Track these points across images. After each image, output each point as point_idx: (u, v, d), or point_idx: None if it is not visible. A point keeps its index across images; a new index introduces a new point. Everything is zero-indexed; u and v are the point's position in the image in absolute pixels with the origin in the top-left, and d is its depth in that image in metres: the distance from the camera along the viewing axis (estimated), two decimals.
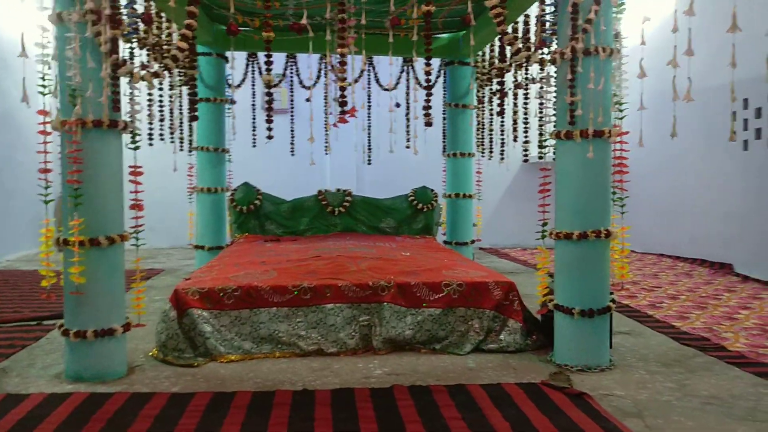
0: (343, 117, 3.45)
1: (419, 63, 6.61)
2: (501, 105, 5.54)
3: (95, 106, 2.74)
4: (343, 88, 3.00)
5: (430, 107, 3.20)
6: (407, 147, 6.68)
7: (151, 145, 4.91)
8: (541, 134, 4.59)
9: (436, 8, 4.98)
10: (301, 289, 3.30)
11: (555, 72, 3.28)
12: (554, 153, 3.27)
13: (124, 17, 3.03)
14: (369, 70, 6.64)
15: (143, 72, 2.83)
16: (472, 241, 6.50)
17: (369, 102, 6.73)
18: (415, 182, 6.66)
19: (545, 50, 3.32)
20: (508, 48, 4.15)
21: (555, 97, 3.24)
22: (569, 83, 3.00)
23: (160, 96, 5.11)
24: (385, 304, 3.34)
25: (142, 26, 3.48)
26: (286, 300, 3.28)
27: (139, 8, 3.33)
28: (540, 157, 4.51)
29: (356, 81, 6.34)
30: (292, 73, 6.57)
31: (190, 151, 5.81)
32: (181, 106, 5.51)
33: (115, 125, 2.81)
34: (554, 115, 3.43)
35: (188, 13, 2.80)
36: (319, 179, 8.10)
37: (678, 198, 7.32)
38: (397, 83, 6.70)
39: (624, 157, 3.18)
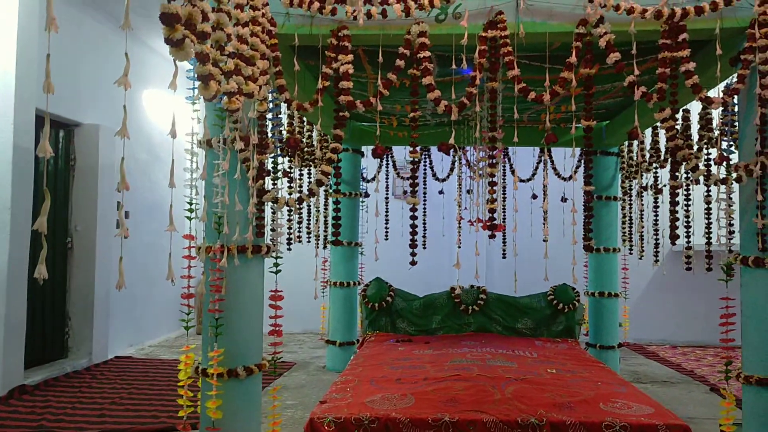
0: (491, 232, 3.17)
1: (556, 153, 6.32)
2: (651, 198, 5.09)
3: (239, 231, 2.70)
4: (492, 210, 2.77)
5: (591, 230, 2.89)
6: (544, 240, 6.31)
7: (289, 249, 4.91)
8: (708, 243, 4.12)
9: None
10: (442, 424, 3.02)
11: (734, 183, 2.89)
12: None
13: (272, 139, 3.03)
14: (505, 161, 6.41)
15: (288, 197, 2.77)
16: (619, 345, 5.93)
17: (504, 194, 6.45)
18: (554, 279, 6.17)
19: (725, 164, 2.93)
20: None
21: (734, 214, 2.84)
22: (759, 204, 2.59)
23: None
24: None
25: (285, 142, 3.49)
26: None
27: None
28: (708, 269, 4.03)
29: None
30: (425, 165, 6.49)
31: (324, 246, 5.80)
32: (317, 203, 5.55)
33: (258, 250, 2.76)
34: (731, 230, 3.01)
35: (335, 137, 2.73)
36: (450, 272, 7.77)
37: None
38: (533, 174, 6.42)
39: None
